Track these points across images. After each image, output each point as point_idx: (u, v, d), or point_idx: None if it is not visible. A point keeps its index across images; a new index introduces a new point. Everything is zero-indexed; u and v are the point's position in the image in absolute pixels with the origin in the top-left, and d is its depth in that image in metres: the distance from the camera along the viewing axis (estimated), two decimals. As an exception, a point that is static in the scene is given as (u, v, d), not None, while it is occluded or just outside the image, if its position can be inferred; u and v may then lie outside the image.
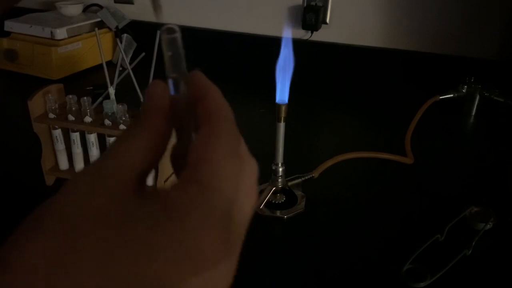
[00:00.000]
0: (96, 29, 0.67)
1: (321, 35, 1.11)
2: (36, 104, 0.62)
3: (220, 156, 0.20)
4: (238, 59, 1.20)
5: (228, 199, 0.19)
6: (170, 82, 0.20)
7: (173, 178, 0.64)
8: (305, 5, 1.09)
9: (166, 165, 0.61)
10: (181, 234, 0.17)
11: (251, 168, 0.24)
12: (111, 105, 0.60)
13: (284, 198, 0.64)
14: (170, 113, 0.21)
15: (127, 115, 0.59)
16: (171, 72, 0.20)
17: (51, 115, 0.62)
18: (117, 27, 1.21)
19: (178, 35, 0.21)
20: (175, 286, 0.17)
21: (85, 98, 0.61)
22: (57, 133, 0.64)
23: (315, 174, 0.69)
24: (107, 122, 0.60)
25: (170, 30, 0.21)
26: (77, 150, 0.65)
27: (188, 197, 0.18)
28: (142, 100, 0.63)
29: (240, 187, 0.21)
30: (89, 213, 0.17)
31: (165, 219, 0.17)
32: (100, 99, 0.68)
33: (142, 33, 1.18)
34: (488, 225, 0.58)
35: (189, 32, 1.24)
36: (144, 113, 0.21)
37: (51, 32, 1.11)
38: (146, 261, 0.16)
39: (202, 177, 0.19)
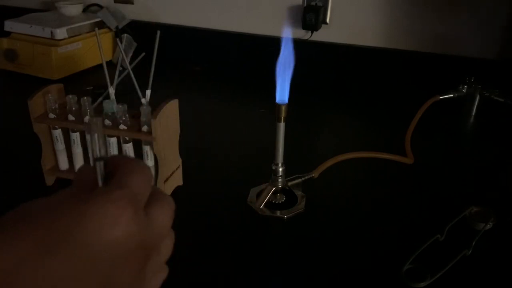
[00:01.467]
0: (96, 29, 0.67)
1: (321, 35, 1.11)
2: (36, 104, 0.62)
3: (132, 172, 0.27)
4: (238, 59, 1.20)
5: (136, 192, 0.26)
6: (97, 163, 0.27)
7: (172, 178, 0.64)
8: (305, 5, 1.09)
9: (165, 167, 0.61)
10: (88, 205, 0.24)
11: (166, 197, 0.29)
12: (111, 105, 0.60)
13: (284, 198, 0.64)
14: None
15: (127, 115, 0.59)
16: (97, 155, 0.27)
17: (51, 115, 0.62)
18: (117, 27, 1.21)
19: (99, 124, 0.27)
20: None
21: (85, 98, 0.61)
22: (57, 133, 0.64)
23: (315, 174, 0.69)
24: (107, 122, 0.60)
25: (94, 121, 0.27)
26: (77, 150, 0.65)
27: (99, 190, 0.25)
28: (142, 100, 0.63)
29: (154, 197, 0.28)
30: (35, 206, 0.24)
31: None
32: (100, 99, 0.68)
33: (142, 33, 1.18)
34: (488, 225, 0.58)
35: (189, 32, 1.24)
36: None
37: (51, 32, 1.11)
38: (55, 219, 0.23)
39: (115, 182, 0.26)
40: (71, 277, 0.22)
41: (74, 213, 0.23)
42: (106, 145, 0.27)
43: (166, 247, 0.29)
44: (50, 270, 0.22)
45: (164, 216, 0.28)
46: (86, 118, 0.61)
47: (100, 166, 0.27)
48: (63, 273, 0.22)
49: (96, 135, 0.27)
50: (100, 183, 0.26)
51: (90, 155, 0.64)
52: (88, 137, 0.63)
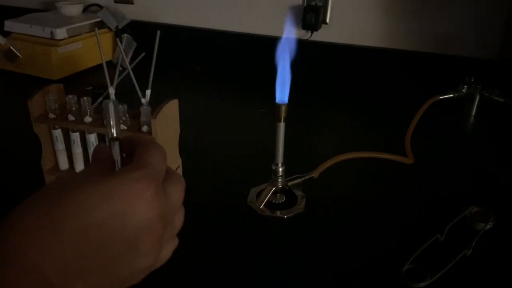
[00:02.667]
0: (96, 29, 0.67)
1: (321, 35, 1.11)
2: (36, 104, 0.62)
3: (152, 150, 0.31)
4: (238, 59, 1.20)
5: (157, 170, 0.30)
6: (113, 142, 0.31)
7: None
8: (305, 5, 1.09)
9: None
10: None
11: (177, 175, 0.33)
12: (111, 105, 0.60)
13: (284, 198, 0.64)
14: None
15: (127, 115, 0.59)
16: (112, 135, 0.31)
17: (51, 115, 0.62)
18: (117, 27, 1.21)
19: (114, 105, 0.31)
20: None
21: (85, 98, 0.61)
22: (57, 133, 0.64)
23: (315, 174, 0.69)
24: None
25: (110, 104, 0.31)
26: (77, 150, 0.65)
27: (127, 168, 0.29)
28: (142, 100, 0.63)
29: (168, 175, 0.31)
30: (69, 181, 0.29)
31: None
32: (100, 99, 0.68)
33: (142, 33, 1.18)
34: (488, 225, 0.58)
35: (189, 32, 1.24)
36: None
37: (51, 32, 1.11)
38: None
39: (137, 159, 0.30)
40: (104, 239, 0.27)
41: (105, 190, 0.27)
42: (119, 125, 0.32)
43: (179, 220, 0.33)
44: (86, 230, 0.26)
45: (178, 192, 0.31)
46: (87, 118, 0.61)
47: (116, 145, 0.30)
48: (98, 236, 0.26)
49: (110, 116, 0.30)
50: (118, 163, 0.30)
51: (90, 155, 0.64)
52: (88, 136, 0.63)
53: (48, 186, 0.29)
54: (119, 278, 0.29)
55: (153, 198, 0.28)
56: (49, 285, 0.25)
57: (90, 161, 0.32)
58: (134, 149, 0.31)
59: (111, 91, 0.66)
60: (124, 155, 0.31)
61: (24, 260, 0.24)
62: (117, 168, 0.31)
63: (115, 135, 0.30)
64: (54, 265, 0.25)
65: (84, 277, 0.27)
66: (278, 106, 0.57)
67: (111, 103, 0.30)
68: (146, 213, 0.28)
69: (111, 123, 0.30)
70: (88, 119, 0.61)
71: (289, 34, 0.56)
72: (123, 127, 0.59)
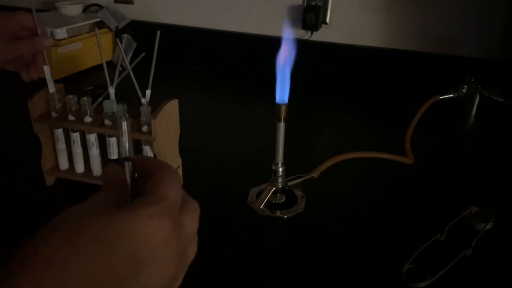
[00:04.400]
0: (96, 29, 0.67)
1: (321, 35, 1.11)
2: (36, 104, 0.62)
3: (167, 179, 0.29)
4: (238, 59, 1.20)
5: (173, 203, 0.28)
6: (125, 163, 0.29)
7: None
8: (305, 5, 1.09)
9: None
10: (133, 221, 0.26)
11: (193, 203, 0.32)
12: (111, 105, 0.60)
13: (284, 198, 0.64)
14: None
15: (127, 115, 0.59)
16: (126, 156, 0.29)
17: (54, 114, 0.62)
18: (117, 27, 1.21)
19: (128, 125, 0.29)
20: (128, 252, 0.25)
21: (85, 98, 0.61)
22: (59, 132, 0.64)
23: (315, 174, 0.69)
24: (107, 122, 0.60)
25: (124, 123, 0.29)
26: (77, 150, 0.65)
27: (141, 201, 0.27)
28: (142, 100, 0.63)
29: (184, 203, 0.30)
30: (77, 219, 0.26)
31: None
32: (100, 99, 0.68)
33: (142, 33, 1.18)
34: (488, 225, 0.58)
35: (189, 32, 1.24)
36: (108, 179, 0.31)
37: (51, 32, 1.11)
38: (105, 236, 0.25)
39: (153, 190, 0.28)
40: (122, 278, 0.25)
41: (118, 227, 0.25)
42: (132, 144, 0.29)
43: (192, 251, 0.31)
44: (100, 271, 0.25)
45: (193, 223, 0.30)
46: (87, 118, 0.61)
47: (129, 166, 0.29)
48: (114, 275, 0.25)
49: (124, 135, 0.28)
50: (129, 186, 0.29)
51: (90, 155, 0.64)
52: (88, 136, 0.63)
53: (56, 223, 0.26)
54: None
55: (169, 235, 0.27)
56: None
57: (102, 182, 0.30)
58: (148, 173, 0.29)
59: (111, 91, 0.66)
60: (136, 175, 0.30)
61: None
62: (129, 193, 0.29)
63: (127, 154, 0.29)
64: None
65: None
66: (278, 106, 0.57)
67: (125, 121, 0.29)
68: (162, 252, 0.26)
69: (125, 141, 0.28)
70: (88, 119, 0.61)
71: (288, 34, 0.56)
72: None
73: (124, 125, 0.28)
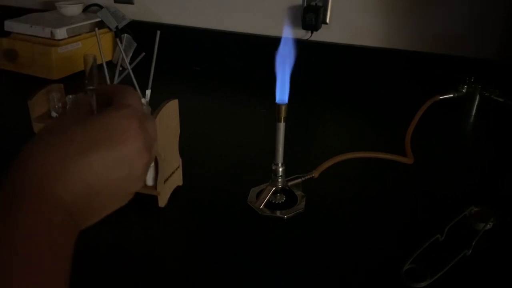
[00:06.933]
0: (96, 29, 0.67)
1: (321, 35, 1.11)
2: (36, 104, 0.62)
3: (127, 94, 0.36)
4: (238, 59, 1.20)
5: (137, 109, 0.34)
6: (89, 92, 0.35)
7: (172, 178, 0.64)
8: (305, 5, 1.09)
9: (165, 167, 0.61)
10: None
11: (151, 116, 0.40)
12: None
13: (284, 198, 0.64)
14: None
15: (91, 55, 0.59)
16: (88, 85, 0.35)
17: (54, 114, 0.62)
18: (117, 27, 1.21)
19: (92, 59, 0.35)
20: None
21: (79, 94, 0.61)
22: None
23: (315, 174, 0.69)
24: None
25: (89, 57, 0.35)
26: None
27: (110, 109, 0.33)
28: (142, 100, 0.63)
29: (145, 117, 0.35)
30: (64, 122, 0.33)
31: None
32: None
33: (142, 33, 1.18)
34: (488, 225, 0.58)
35: (189, 32, 1.24)
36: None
37: (51, 32, 1.11)
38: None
39: (118, 102, 0.34)
40: (109, 166, 0.31)
41: (99, 125, 0.31)
42: (97, 79, 0.36)
43: (154, 151, 0.37)
44: (92, 162, 0.30)
45: (153, 128, 0.36)
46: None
47: (93, 94, 0.34)
48: (102, 165, 0.30)
49: (91, 68, 0.34)
50: (95, 109, 0.34)
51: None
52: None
53: (48, 128, 0.32)
54: (118, 200, 0.34)
55: (138, 131, 0.33)
56: (67, 212, 0.28)
57: (69, 109, 0.36)
58: (111, 94, 0.35)
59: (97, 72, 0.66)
60: (104, 105, 0.34)
61: (42, 188, 0.27)
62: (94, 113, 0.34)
63: (92, 86, 0.34)
64: (67, 193, 0.28)
65: (92, 204, 0.31)
66: (278, 106, 0.57)
67: (92, 57, 0.34)
68: (136, 143, 0.32)
69: (92, 74, 0.34)
70: (84, 55, 0.61)
71: (288, 34, 0.56)
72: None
73: (91, 60, 0.34)
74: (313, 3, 1.08)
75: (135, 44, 1.22)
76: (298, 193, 0.65)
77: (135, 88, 0.63)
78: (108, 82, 0.65)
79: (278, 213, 0.62)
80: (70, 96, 0.62)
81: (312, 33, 1.10)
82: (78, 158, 0.29)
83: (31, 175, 0.28)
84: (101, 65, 0.64)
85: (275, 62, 0.55)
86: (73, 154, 0.29)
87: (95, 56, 0.35)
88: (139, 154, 0.33)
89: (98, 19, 1.21)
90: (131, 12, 1.28)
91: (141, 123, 0.33)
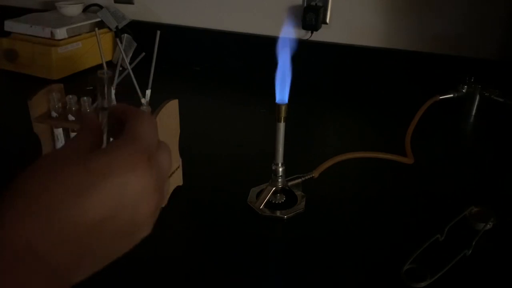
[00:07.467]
0: (96, 29, 0.67)
1: (321, 35, 1.11)
2: (36, 104, 0.62)
3: (139, 125, 0.30)
4: (238, 59, 1.20)
5: (149, 142, 0.30)
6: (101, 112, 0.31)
7: (172, 178, 0.64)
8: (305, 5, 1.09)
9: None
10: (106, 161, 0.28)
11: (167, 147, 0.33)
12: (111, 105, 0.60)
13: (284, 198, 0.64)
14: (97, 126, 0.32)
15: (106, 71, 0.59)
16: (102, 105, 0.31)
17: (54, 114, 0.62)
18: (117, 27, 1.21)
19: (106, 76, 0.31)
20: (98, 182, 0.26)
21: (85, 98, 0.61)
22: (59, 132, 0.64)
23: (315, 174, 0.69)
24: (107, 122, 0.60)
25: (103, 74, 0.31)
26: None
27: (114, 144, 0.29)
28: (142, 100, 0.63)
29: (160, 144, 0.31)
30: (51, 161, 0.29)
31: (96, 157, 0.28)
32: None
33: (142, 33, 1.18)
34: (488, 225, 0.58)
35: (189, 32, 1.24)
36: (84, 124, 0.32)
37: (51, 32, 1.11)
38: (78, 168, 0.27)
39: (129, 132, 0.30)
40: (104, 216, 0.26)
41: (97, 168, 0.27)
42: (111, 96, 0.34)
43: (166, 188, 0.33)
44: (84, 210, 0.26)
45: (167, 161, 0.32)
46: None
47: (104, 115, 0.30)
48: (97, 213, 0.26)
49: (104, 87, 0.30)
50: (105, 135, 0.30)
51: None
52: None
53: (38, 164, 0.29)
54: (119, 250, 0.29)
55: (146, 171, 0.28)
56: (54, 272, 0.25)
57: (79, 130, 0.32)
58: (125, 120, 0.31)
59: (111, 91, 0.66)
60: (114, 126, 0.31)
61: (18, 242, 0.24)
62: (104, 139, 0.31)
63: (105, 105, 0.30)
64: (52, 256, 0.25)
65: (83, 257, 0.27)
66: (278, 106, 0.57)
67: (106, 73, 0.31)
68: (141, 186, 0.28)
69: (104, 93, 0.30)
70: (98, 72, 0.61)
71: (288, 34, 0.56)
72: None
73: (105, 77, 0.31)
74: (313, 3, 1.08)
75: (135, 44, 1.22)
76: (298, 193, 0.65)
77: (135, 89, 0.63)
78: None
79: (278, 213, 0.62)
80: (70, 96, 0.62)
81: (312, 33, 1.10)
82: (65, 212, 0.25)
83: (9, 230, 0.24)
84: (101, 65, 0.64)
85: (275, 62, 0.55)
86: (59, 209, 0.25)
87: (109, 71, 0.32)
88: (146, 196, 0.28)
89: (98, 19, 1.21)
90: (131, 12, 1.28)
91: (151, 159, 0.29)
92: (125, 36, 1.22)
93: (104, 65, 0.65)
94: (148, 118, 0.31)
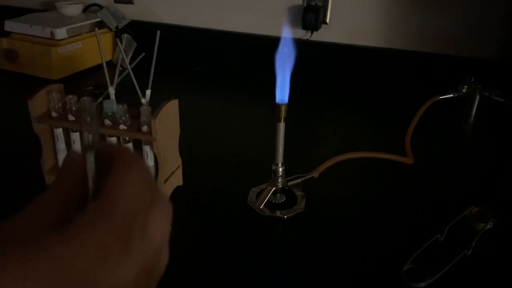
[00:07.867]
0: (96, 29, 0.67)
1: (321, 35, 1.11)
2: (37, 104, 0.62)
3: (125, 185, 0.23)
4: (238, 59, 1.20)
5: (128, 211, 0.22)
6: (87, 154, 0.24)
7: (172, 178, 0.64)
8: (305, 5, 1.09)
9: (165, 167, 0.61)
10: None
11: (164, 204, 0.25)
12: (111, 105, 0.60)
13: (284, 198, 0.64)
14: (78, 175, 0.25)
15: (127, 115, 0.59)
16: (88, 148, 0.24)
17: (54, 114, 0.62)
18: (117, 27, 1.21)
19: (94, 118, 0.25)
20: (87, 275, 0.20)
21: (85, 98, 0.61)
22: (59, 132, 0.64)
23: (315, 174, 0.69)
24: (107, 122, 0.60)
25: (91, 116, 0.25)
26: (77, 150, 0.65)
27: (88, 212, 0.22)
28: (142, 100, 0.63)
29: (150, 210, 0.24)
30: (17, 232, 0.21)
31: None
32: (100, 99, 0.68)
33: (142, 33, 1.18)
34: (488, 225, 0.58)
35: (189, 32, 1.24)
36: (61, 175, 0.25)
37: (51, 32, 1.11)
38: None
39: (104, 197, 0.22)
40: None
41: (59, 255, 0.20)
42: (99, 129, 0.23)
43: (163, 262, 0.26)
44: None
45: (162, 228, 0.24)
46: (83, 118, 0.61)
47: (91, 156, 0.23)
48: None
49: (89, 118, 0.24)
50: (90, 181, 0.23)
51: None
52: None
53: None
54: None
55: (123, 262, 0.21)
56: None
57: (57, 177, 0.25)
58: (112, 167, 0.23)
59: (111, 91, 0.66)
60: (101, 170, 0.24)
61: None
62: (89, 185, 0.24)
63: (91, 143, 0.24)
64: None
65: None
66: (278, 106, 0.57)
67: (91, 102, 0.25)
68: (114, 283, 0.21)
69: (91, 125, 0.24)
70: (82, 99, 0.61)
71: (288, 34, 0.56)
72: (123, 127, 0.59)
73: (92, 107, 0.26)
74: (313, 3, 1.08)
75: (135, 44, 1.22)
76: (298, 193, 0.65)
77: (135, 89, 0.62)
78: (108, 82, 0.65)
79: (278, 213, 0.62)
80: (70, 96, 0.62)
81: (312, 33, 1.10)
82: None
83: None
84: (101, 65, 0.64)
85: (275, 62, 0.55)
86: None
87: (95, 100, 0.26)
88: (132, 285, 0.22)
89: (98, 19, 1.21)
90: (131, 12, 1.28)
91: (133, 240, 0.22)
92: (125, 36, 1.22)
93: (104, 65, 0.65)
94: (137, 168, 0.24)
